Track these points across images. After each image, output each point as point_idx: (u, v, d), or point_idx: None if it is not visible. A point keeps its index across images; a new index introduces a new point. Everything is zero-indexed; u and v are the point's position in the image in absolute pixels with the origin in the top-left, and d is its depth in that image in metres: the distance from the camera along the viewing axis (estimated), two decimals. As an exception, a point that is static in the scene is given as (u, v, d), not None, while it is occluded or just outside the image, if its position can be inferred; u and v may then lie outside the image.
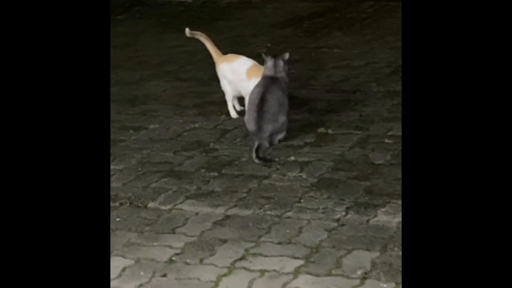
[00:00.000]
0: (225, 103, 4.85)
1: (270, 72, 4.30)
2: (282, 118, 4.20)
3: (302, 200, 3.54)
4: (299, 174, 3.83)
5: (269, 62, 4.32)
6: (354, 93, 5.10)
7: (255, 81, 4.37)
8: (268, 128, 4.14)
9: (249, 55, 6.23)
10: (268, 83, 4.24)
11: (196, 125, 4.65)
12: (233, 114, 4.73)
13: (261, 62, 4.45)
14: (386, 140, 4.21)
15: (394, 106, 4.76)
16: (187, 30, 4.93)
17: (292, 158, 4.05)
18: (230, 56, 4.79)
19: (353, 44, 6.46)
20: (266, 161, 4.01)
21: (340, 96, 5.04)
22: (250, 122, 4.18)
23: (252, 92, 4.24)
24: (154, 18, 8.26)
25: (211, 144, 4.33)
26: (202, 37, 4.91)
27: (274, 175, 3.84)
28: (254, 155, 4.01)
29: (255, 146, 4.06)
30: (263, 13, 8.06)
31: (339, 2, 8.16)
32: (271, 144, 4.18)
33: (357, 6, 7.96)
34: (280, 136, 4.22)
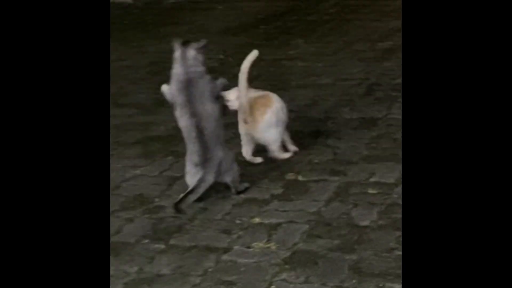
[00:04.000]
0: (171, 138, 4.06)
1: (180, 69, 3.34)
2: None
3: (273, 287, 2.77)
4: (267, 245, 3.05)
5: (176, 53, 3.36)
6: (325, 122, 4.34)
7: None
8: (218, 154, 3.36)
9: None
10: (188, 97, 3.32)
11: (138, 172, 3.84)
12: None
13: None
14: (370, 190, 3.46)
15: (373, 140, 4.01)
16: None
17: (257, 219, 3.27)
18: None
19: (317, 54, 5.69)
20: (179, 211, 3.27)
21: (308, 126, 4.27)
22: (193, 155, 3.36)
23: (181, 120, 3.40)
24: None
25: (156, 199, 3.52)
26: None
27: (235, 247, 3.06)
28: (178, 201, 3.27)
29: (189, 188, 3.31)
30: (213, 16, 7.25)
31: (297, 2, 7.40)
32: (235, 188, 3.44)
33: (317, 6, 7.21)
34: (230, 177, 3.43)
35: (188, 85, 3.34)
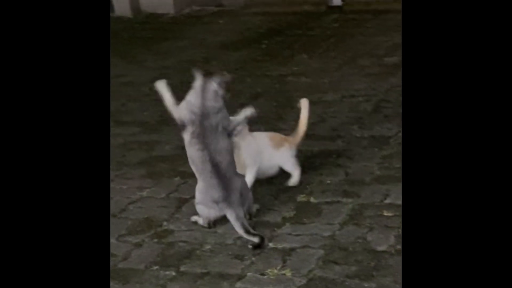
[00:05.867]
0: (177, 158, 3.96)
1: (196, 100, 3.18)
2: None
3: (290, 317, 2.67)
4: (282, 272, 2.94)
5: (197, 83, 3.21)
6: (334, 140, 4.23)
7: None
8: (237, 185, 3.25)
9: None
10: (201, 130, 3.19)
11: (144, 194, 3.72)
12: None
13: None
14: (385, 213, 3.35)
15: (385, 159, 3.91)
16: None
17: (271, 244, 3.15)
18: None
19: (322, 70, 5.58)
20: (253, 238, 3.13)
21: (318, 145, 4.15)
22: (212, 190, 3.24)
23: (191, 154, 3.27)
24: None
25: (164, 223, 3.40)
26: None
27: (249, 274, 2.95)
28: (243, 233, 3.13)
29: (238, 222, 3.17)
30: (214, 30, 7.13)
31: (298, 16, 7.28)
32: (250, 214, 3.33)
33: (319, 20, 7.09)
34: (246, 205, 3.30)
35: (202, 119, 3.19)
